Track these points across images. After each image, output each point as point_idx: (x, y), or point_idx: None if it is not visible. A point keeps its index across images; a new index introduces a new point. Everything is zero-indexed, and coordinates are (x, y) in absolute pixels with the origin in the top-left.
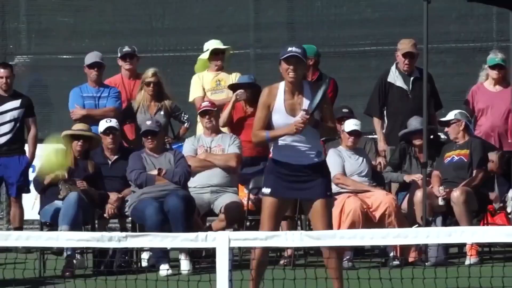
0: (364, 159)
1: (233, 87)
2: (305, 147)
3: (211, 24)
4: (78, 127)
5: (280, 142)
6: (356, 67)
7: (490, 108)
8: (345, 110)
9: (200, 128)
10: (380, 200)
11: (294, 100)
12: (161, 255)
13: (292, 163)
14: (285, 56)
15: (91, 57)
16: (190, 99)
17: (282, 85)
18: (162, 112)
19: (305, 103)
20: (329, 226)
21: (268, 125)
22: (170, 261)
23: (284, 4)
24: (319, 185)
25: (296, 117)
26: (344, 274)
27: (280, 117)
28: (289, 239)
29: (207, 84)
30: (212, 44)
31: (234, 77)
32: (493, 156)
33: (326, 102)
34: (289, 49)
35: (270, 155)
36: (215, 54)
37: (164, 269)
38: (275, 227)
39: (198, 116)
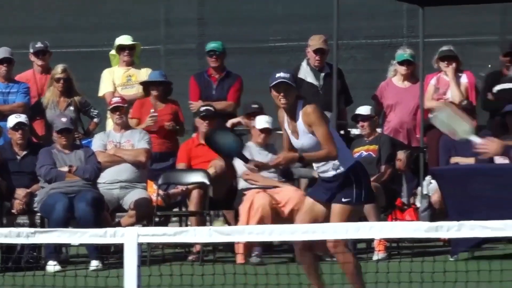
0: (274, 155)
1: (145, 84)
2: (317, 165)
3: (122, 20)
4: None
5: None
6: (266, 63)
7: (398, 104)
8: (254, 106)
9: (110, 123)
10: (289, 196)
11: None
12: (51, 251)
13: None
14: (274, 83)
15: (0, 53)
16: (100, 94)
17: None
18: (71, 108)
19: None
20: None
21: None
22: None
23: (195, 0)
24: (338, 192)
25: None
26: (252, 269)
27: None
28: (198, 234)
29: (117, 79)
30: (120, 40)
31: (145, 73)
32: (401, 155)
33: (315, 125)
34: (277, 75)
35: None
36: (123, 49)
37: (52, 265)
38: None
39: (108, 111)
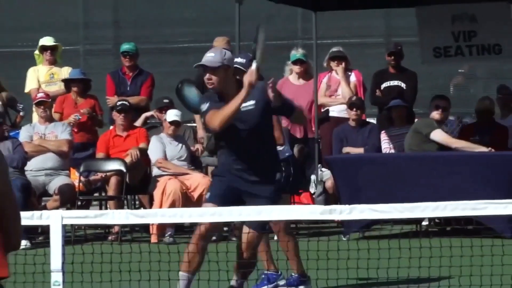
0: (184, 145)
1: (66, 81)
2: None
3: (45, 23)
4: None
5: None
6: (176, 62)
7: (295, 100)
8: (165, 100)
9: (35, 116)
10: (198, 182)
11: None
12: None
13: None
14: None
15: None
16: (26, 90)
17: None
18: None
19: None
20: None
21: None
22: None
23: (110, 4)
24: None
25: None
26: (165, 248)
27: None
28: (116, 217)
29: (41, 76)
30: (43, 41)
31: (66, 71)
32: (295, 149)
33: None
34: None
35: None
36: (45, 49)
37: (23, 245)
38: None
39: (34, 105)
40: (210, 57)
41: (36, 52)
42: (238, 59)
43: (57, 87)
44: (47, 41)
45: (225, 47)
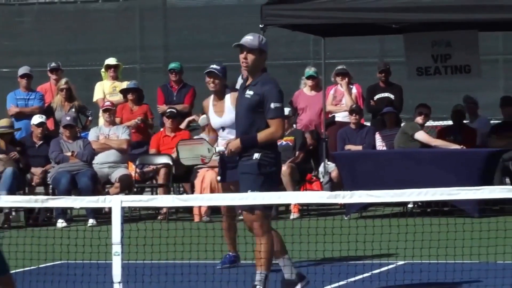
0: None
1: (122, 91)
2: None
3: (110, 46)
4: (2, 124)
5: None
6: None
7: (308, 108)
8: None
9: (101, 121)
10: None
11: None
12: (59, 212)
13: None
14: (206, 71)
15: (22, 70)
16: (94, 100)
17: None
18: (73, 109)
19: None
20: None
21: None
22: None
23: (161, 31)
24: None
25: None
26: (203, 226)
27: (213, 119)
28: (165, 201)
29: (106, 89)
30: (108, 61)
31: (125, 85)
32: (307, 135)
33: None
34: (210, 66)
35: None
36: (109, 68)
37: (60, 223)
38: None
39: (101, 112)
40: (248, 39)
41: (102, 70)
42: (214, 65)
43: (118, 98)
44: (111, 61)
45: None
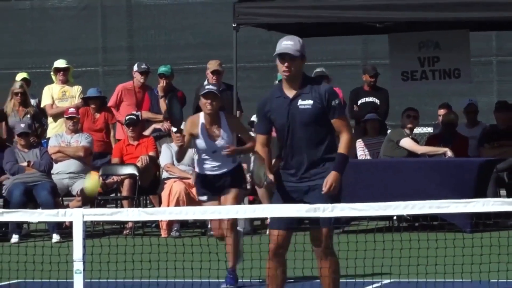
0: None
1: (85, 99)
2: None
3: (64, 47)
4: None
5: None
6: (180, 81)
7: None
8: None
9: (50, 129)
10: None
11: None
12: (14, 226)
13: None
14: (204, 92)
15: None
16: (42, 105)
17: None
18: (28, 116)
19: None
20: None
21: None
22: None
23: (125, 31)
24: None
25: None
26: (172, 241)
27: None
28: (130, 214)
29: (55, 94)
30: (57, 63)
31: (76, 90)
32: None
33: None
34: (206, 86)
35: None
36: (58, 71)
37: (15, 238)
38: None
39: (64, 119)
40: (290, 45)
41: (52, 73)
42: (211, 86)
43: (68, 103)
44: (60, 63)
45: (217, 68)
